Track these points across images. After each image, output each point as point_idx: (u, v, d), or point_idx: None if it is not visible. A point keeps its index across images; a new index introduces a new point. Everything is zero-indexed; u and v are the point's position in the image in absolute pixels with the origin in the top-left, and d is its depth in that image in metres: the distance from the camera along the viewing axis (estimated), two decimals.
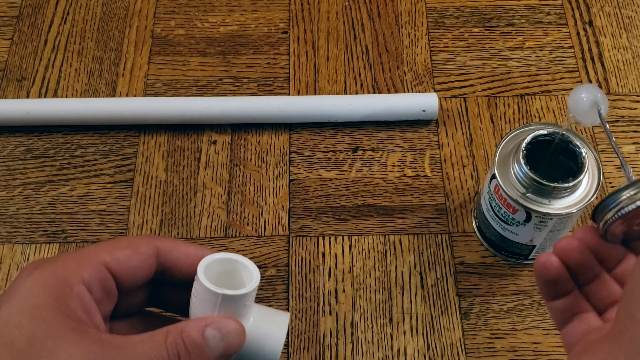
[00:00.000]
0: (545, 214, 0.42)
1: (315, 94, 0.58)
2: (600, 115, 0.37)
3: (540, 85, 0.58)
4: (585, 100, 0.37)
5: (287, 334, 0.32)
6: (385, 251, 0.51)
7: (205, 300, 0.29)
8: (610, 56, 0.59)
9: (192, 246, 0.32)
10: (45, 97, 0.58)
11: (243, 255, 0.33)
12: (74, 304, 0.28)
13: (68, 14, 0.62)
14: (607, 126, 0.37)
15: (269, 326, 0.32)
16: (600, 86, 0.58)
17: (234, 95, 0.58)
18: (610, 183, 0.53)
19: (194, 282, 0.30)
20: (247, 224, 0.52)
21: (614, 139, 0.39)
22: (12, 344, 0.26)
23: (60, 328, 0.27)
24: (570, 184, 0.42)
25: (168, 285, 0.34)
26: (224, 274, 0.31)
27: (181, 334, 0.28)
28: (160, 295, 0.34)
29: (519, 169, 0.42)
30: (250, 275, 0.31)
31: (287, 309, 0.48)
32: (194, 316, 0.31)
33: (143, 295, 0.34)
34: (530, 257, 0.49)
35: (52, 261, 0.29)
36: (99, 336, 0.28)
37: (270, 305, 0.48)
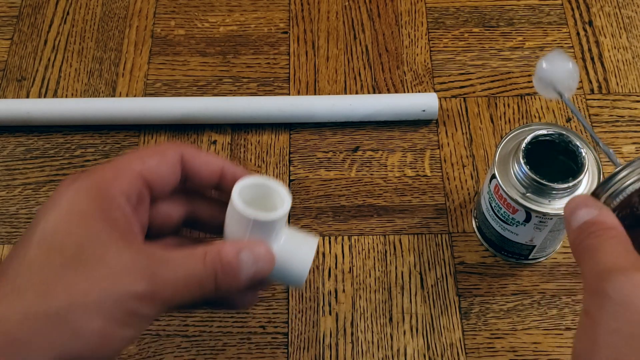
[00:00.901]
0: (545, 214, 0.42)
1: (315, 94, 0.58)
2: (562, 97, 0.37)
3: None
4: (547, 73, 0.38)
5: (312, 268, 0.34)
6: (385, 251, 0.51)
7: (238, 223, 0.30)
8: (610, 56, 0.59)
9: (212, 156, 0.33)
10: (45, 97, 0.58)
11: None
12: (117, 215, 0.29)
13: (68, 14, 0.62)
14: (574, 107, 0.37)
15: (298, 248, 0.33)
16: (600, 87, 0.58)
17: (234, 95, 0.58)
18: None
19: (229, 204, 0.31)
20: None
21: (585, 120, 0.39)
22: (63, 250, 0.27)
23: (108, 237, 0.28)
24: (570, 184, 0.41)
25: (199, 206, 0.35)
26: (258, 197, 0.32)
27: (218, 254, 0.29)
28: (190, 218, 0.35)
29: (519, 169, 0.42)
30: (282, 200, 0.31)
31: (287, 310, 0.48)
32: (227, 237, 0.32)
33: (178, 211, 0.34)
34: (530, 257, 0.49)
35: (89, 174, 0.29)
36: (143, 247, 0.29)
37: (269, 305, 0.48)
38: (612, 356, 0.26)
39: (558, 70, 0.37)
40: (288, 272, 0.33)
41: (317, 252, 0.32)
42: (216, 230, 0.34)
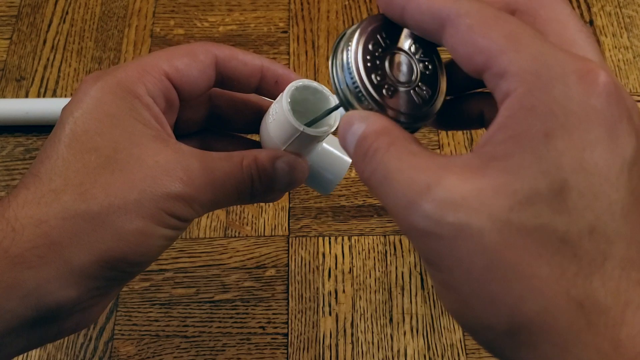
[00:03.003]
0: None
1: None
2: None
3: None
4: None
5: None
6: (386, 251, 0.50)
7: (283, 129, 0.29)
8: (611, 56, 0.59)
9: (249, 55, 0.32)
10: (44, 96, 0.58)
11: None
12: (147, 115, 0.28)
13: (67, 13, 0.62)
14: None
15: (334, 157, 0.32)
16: None
17: None
18: None
19: (275, 104, 0.30)
20: (247, 224, 0.52)
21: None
22: (98, 149, 0.26)
23: (143, 137, 0.27)
24: None
25: (223, 104, 0.34)
26: (301, 99, 0.30)
27: (255, 161, 0.29)
28: (217, 115, 0.34)
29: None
30: (327, 105, 0.30)
31: (287, 310, 0.48)
32: (265, 136, 0.31)
33: (203, 112, 0.33)
34: None
35: (113, 72, 0.28)
36: (179, 147, 0.28)
37: (269, 306, 0.48)
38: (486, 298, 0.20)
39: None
40: (320, 180, 0.32)
41: (349, 171, 0.32)
42: (240, 129, 0.33)
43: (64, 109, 0.28)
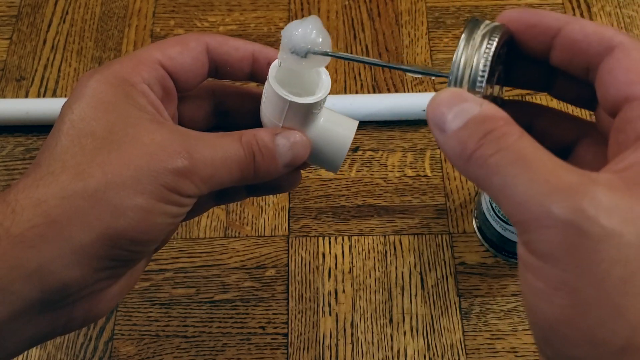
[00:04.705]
0: None
1: None
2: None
3: None
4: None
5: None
6: (386, 251, 0.50)
7: (274, 106, 0.29)
8: None
9: (240, 40, 0.32)
10: (44, 96, 0.58)
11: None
12: (142, 101, 0.28)
13: (67, 13, 0.62)
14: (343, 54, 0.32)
15: (335, 131, 0.31)
16: None
17: None
18: None
19: (264, 86, 0.30)
20: (247, 224, 0.52)
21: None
22: (94, 133, 0.26)
23: (138, 119, 0.27)
24: None
25: (230, 97, 0.34)
26: (296, 78, 0.31)
27: (254, 137, 0.29)
28: (224, 112, 0.34)
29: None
30: (321, 82, 0.30)
31: (287, 310, 0.48)
32: (263, 117, 0.31)
33: (206, 108, 0.33)
34: None
35: (109, 65, 0.29)
36: (177, 127, 0.28)
37: (269, 306, 0.48)
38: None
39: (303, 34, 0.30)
40: (325, 156, 0.32)
41: (353, 139, 0.31)
42: (249, 125, 0.33)
43: (63, 105, 0.28)
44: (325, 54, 0.29)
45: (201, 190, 0.28)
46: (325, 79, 0.30)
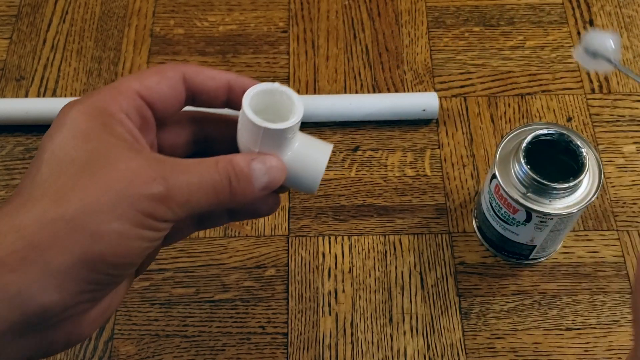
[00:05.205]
0: (545, 214, 0.42)
1: (314, 93, 0.58)
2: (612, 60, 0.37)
3: (541, 85, 0.58)
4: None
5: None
6: (385, 251, 0.50)
7: (249, 132, 0.30)
8: None
9: (216, 70, 0.33)
10: (44, 96, 0.58)
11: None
12: (120, 130, 0.29)
13: (67, 13, 0.62)
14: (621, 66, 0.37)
15: (311, 155, 0.33)
16: (601, 86, 0.58)
17: None
18: (611, 183, 0.53)
19: (240, 114, 0.31)
20: (247, 224, 0.51)
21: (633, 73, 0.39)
22: (73, 161, 0.27)
23: (116, 147, 0.28)
24: (571, 184, 0.41)
25: (210, 126, 0.35)
26: (271, 105, 0.32)
27: (231, 162, 0.30)
28: (202, 140, 0.35)
29: (519, 168, 0.42)
30: (294, 108, 0.31)
31: (287, 310, 0.48)
32: (240, 144, 0.32)
33: (186, 136, 0.34)
34: (530, 257, 0.49)
35: (88, 96, 0.30)
36: (153, 154, 0.29)
37: (269, 306, 0.48)
38: None
39: (602, 40, 0.37)
40: (301, 179, 0.33)
41: (330, 160, 0.32)
42: (230, 149, 0.34)
43: (44, 137, 0.29)
44: (609, 60, 0.33)
45: (177, 215, 0.28)
46: (298, 105, 0.31)
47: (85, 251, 0.26)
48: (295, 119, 0.30)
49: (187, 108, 0.33)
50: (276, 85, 0.31)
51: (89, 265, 0.26)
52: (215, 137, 0.35)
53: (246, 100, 0.30)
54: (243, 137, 0.31)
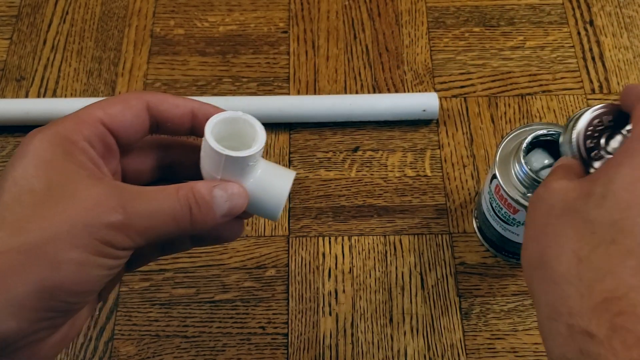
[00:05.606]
0: None
1: (315, 93, 0.58)
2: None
3: (541, 85, 0.58)
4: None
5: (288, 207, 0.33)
6: (386, 251, 0.50)
7: (211, 160, 0.31)
8: (611, 56, 0.59)
9: (181, 98, 0.33)
10: (44, 97, 0.58)
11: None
12: (82, 158, 0.29)
13: (67, 13, 0.62)
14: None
15: (273, 183, 0.33)
16: (601, 86, 0.58)
17: (233, 95, 0.58)
18: None
19: (202, 142, 0.31)
20: (247, 224, 0.51)
21: None
22: (33, 190, 0.28)
23: (76, 175, 0.28)
24: None
25: (175, 153, 0.35)
26: (234, 133, 0.32)
27: (191, 190, 0.30)
28: (167, 167, 0.35)
29: (519, 168, 0.42)
30: (257, 136, 0.32)
31: (287, 310, 0.48)
32: (203, 172, 0.32)
33: (150, 162, 0.35)
34: None
35: (51, 125, 0.30)
36: (114, 182, 0.29)
37: (269, 306, 0.48)
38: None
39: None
40: (263, 206, 0.33)
41: (293, 188, 0.32)
42: (195, 176, 0.35)
43: (6, 165, 0.29)
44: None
45: (136, 243, 0.29)
46: (260, 133, 0.31)
47: (44, 280, 0.26)
48: (257, 147, 0.31)
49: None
50: (239, 113, 0.32)
51: (48, 294, 0.26)
52: (180, 163, 0.35)
53: (208, 128, 0.31)
54: (206, 164, 0.31)
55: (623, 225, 0.27)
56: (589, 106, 0.37)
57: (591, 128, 0.34)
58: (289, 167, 0.54)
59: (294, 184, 0.33)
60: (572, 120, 0.35)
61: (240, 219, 0.35)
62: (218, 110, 0.32)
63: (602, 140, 0.34)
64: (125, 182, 0.33)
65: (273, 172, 0.33)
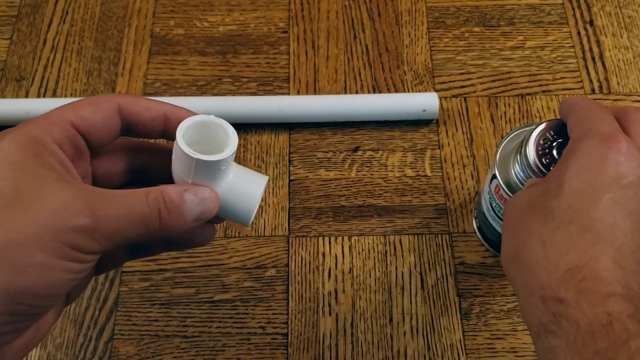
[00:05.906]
0: None
1: (315, 93, 0.58)
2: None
3: (541, 85, 0.58)
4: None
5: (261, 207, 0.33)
6: (386, 251, 0.50)
7: (183, 164, 0.31)
8: (611, 56, 0.59)
9: (153, 101, 0.33)
10: (44, 97, 0.58)
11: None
12: (51, 160, 0.29)
13: (67, 13, 0.62)
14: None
15: (245, 187, 0.33)
16: (601, 86, 0.58)
17: (233, 95, 0.58)
18: None
19: (174, 145, 0.31)
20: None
21: None
22: (1, 192, 0.27)
23: (45, 178, 0.28)
24: None
25: (147, 156, 0.35)
26: (207, 137, 0.32)
27: (161, 194, 0.30)
28: (138, 170, 0.35)
29: (519, 169, 0.42)
30: (229, 140, 0.31)
31: (287, 310, 0.48)
32: (174, 176, 0.32)
33: (121, 164, 0.34)
34: None
35: (21, 126, 0.30)
36: (83, 185, 0.29)
37: (269, 306, 0.48)
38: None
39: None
40: (235, 211, 0.33)
41: (266, 193, 0.32)
42: (166, 179, 0.34)
43: None
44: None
45: (104, 247, 0.28)
46: (232, 137, 0.31)
47: (7, 283, 0.26)
48: (228, 151, 0.31)
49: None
50: (211, 117, 0.31)
51: (11, 297, 0.26)
52: (152, 166, 0.35)
53: (180, 131, 0.30)
54: (177, 168, 0.31)
55: (578, 207, 0.30)
56: (527, 125, 0.43)
57: (540, 147, 0.39)
58: (289, 168, 0.54)
59: (266, 189, 0.33)
60: (522, 148, 0.40)
61: (212, 224, 0.34)
62: (191, 113, 0.32)
63: (554, 152, 0.39)
64: (96, 184, 0.33)
65: (245, 176, 0.33)
